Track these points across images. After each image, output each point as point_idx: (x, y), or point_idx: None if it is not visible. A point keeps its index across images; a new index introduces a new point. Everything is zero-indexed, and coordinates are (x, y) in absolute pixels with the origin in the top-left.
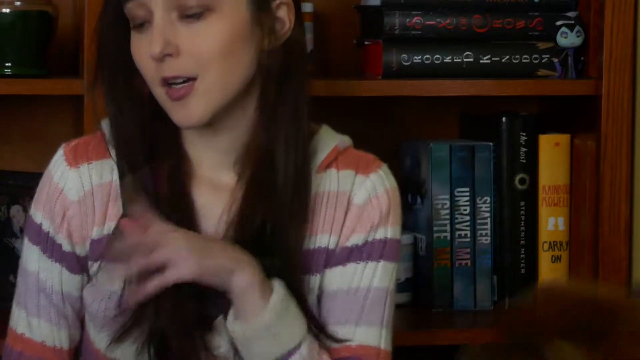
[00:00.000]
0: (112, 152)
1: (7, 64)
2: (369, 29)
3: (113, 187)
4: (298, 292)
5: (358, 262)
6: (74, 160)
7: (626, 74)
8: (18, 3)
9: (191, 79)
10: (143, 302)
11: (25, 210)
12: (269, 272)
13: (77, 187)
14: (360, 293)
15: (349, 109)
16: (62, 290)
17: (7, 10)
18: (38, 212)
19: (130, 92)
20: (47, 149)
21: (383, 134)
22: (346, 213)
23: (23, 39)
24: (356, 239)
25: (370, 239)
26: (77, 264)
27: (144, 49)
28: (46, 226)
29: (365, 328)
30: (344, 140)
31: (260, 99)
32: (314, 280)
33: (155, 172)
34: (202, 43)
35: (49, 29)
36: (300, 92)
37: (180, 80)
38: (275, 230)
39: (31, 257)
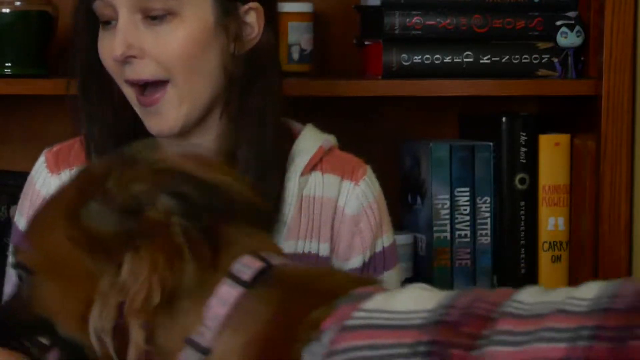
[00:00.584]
0: (93, 157)
1: (7, 64)
2: (369, 29)
3: None
4: None
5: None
6: (55, 166)
7: (626, 74)
8: (18, 3)
9: (163, 83)
10: None
11: None
12: None
13: None
14: None
15: (349, 109)
16: None
17: (7, 10)
18: (22, 219)
19: (102, 91)
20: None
21: (383, 134)
22: (334, 221)
23: (23, 39)
24: (360, 259)
25: (372, 254)
26: None
27: (108, 48)
28: None
29: None
30: (329, 140)
31: (224, 105)
32: None
33: None
34: (165, 47)
35: (49, 29)
36: (267, 97)
37: (152, 87)
38: None
39: None
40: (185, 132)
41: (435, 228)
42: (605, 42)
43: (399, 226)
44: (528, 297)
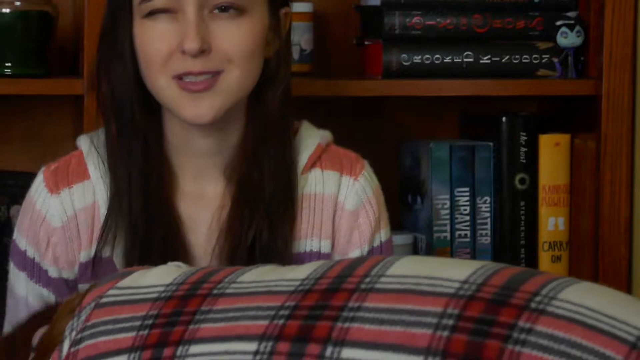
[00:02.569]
0: (92, 171)
1: (7, 64)
2: (369, 29)
3: (96, 208)
4: None
5: None
6: (55, 185)
7: (626, 74)
8: (18, 3)
9: (216, 73)
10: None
11: None
12: None
13: (60, 213)
14: None
15: (349, 109)
16: None
17: (7, 10)
18: (22, 239)
19: (129, 89)
20: (47, 149)
21: (383, 134)
22: (334, 216)
23: (23, 39)
24: (358, 253)
25: (369, 248)
26: (66, 288)
27: (166, 39)
28: (31, 253)
29: None
30: (325, 136)
31: (251, 101)
32: None
33: (141, 185)
34: (233, 42)
35: (49, 29)
36: (287, 96)
37: (203, 77)
38: (265, 235)
39: (19, 282)
40: (214, 123)
41: (435, 228)
42: (605, 42)
43: (399, 226)
44: (250, 275)
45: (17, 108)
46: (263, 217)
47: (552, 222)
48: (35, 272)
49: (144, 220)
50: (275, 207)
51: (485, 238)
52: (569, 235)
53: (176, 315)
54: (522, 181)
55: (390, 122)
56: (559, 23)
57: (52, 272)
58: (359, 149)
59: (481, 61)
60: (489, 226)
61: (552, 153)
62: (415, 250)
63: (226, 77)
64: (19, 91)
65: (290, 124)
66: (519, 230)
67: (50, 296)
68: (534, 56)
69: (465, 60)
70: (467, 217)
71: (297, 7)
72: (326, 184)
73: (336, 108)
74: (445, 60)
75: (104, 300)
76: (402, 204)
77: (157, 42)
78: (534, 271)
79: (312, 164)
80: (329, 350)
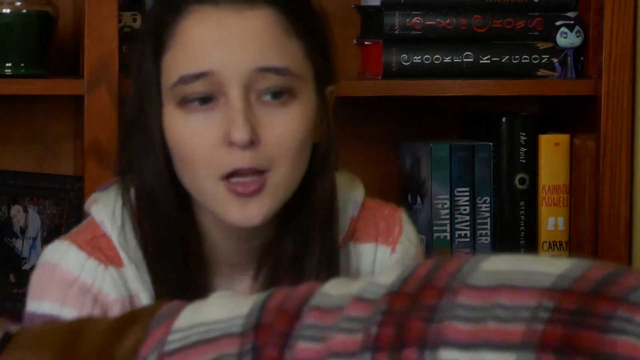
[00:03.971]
0: (127, 261)
1: (7, 64)
2: (369, 29)
3: (136, 299)
4: None
5: None
6: (105, 258)
7: (626, 74)
8: (18, 3)
9: (261, 172)
10: None
11: (26, 210)
12: None
13: (118, 285)
14: None
15: (349, 109)
16: None
17: (7, 10)
18: (57, 306)
19: (163, 189)
20: (47, 149)
21: (383, 134)
22: None
23: (23, 39)
24: None
25: None
26: None
27: (207, 133)
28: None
29: None
30: (357, 201)
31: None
32: None
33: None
34: (283, 132)
35: (49, 29)
36: (333, 189)
37: (250, 178)
38: None
39: None
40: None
41: (435, 228)
42: (605, 42)
43: None
44: (332, 288)
45: (17, 108)
46: None
47: (552, 222)
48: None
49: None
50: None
51: (485, 238)
52: (569, 235)
53: (270, 337)
54: (522, 181)
55: (390, 122)
56: (558, 23)
57: None
58: (359, 149)
59: (481, 61)
60: (489, 226)
61: (552, 153)
62: None
63: (274, 176)
64: (19, 91)
65: (333, 209)
66: (519, 230)
67: None
68: (533, 56)
69: (465, 60)
70: (467, 217)
71: None
72: (361, 260)
73: (336, 108)
74: (445, 60)
75: (170, 347)
76: (402, 204)
77: (196, 137)
78: (631, 269)
79: (346, 240)
80: (427, 356)
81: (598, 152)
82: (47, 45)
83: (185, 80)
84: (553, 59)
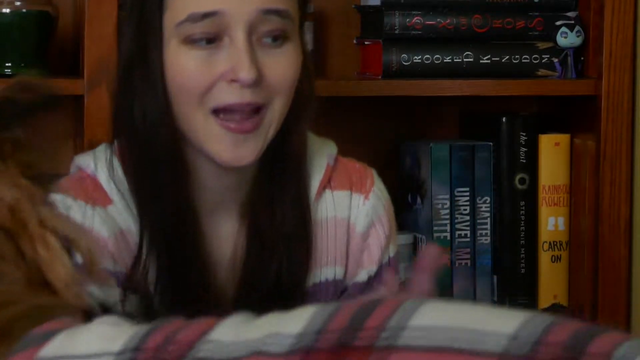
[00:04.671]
0: (117, 199)
1: (7, 64)
2: (369, 29)
3: (125, 234)
4: None
5: (370, 292)
6: (90, 199)
7: (626, 74)
8: (18, 3)
9: (259, 109)
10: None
11: None
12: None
13: (109, 224)
14: None
15: (349, 109)
16: None
17: (7, 10)
18: None
19: (160, 123)
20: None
21: (383, 134)
22: (348, 240)
23: (23, 39)
24: (366, 274)
25: (377, 268)
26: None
27: (208, 69)
28: None
29: None
30: (332, 153)
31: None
32: None
33: (172, 225)
34: (283, 72)
35: (49, 29)
36: (304, 119)
37: (247, 114)
38: (285, 271)
39: None
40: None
41: (435, 228)
42: (605, 42)
43: (399, 226)
44: (226, 333)
45: None
46: (283, 253)
47: (552, 222)
48: None
49: (173, 258)
50: (294, 241)
51: (485, 238)
52: (569, 235)
53: None
54: (522, 181)
55: (390, 122)
56: (558, 23)
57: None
58: (359, 149)
59: (481, 61)
60: (489, 226)
61: (552, 153)
62: (415, 250)
63: (270, 111)
64: None
65: (306, 152)
66: (519, 230)
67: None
68: (534, 56)
69: (465, 60)
70: (467, 217)
71: None
72: (337, 205)
73: (336, 108)
74: (445, 60)
75: None
76: (402, 204)
77: (197, 72)
78: (605, 328)
79: (323, 187)
80: None
81: (598, 152)
82: (47, 45)
83: (193, 18)
84: (553, 59)
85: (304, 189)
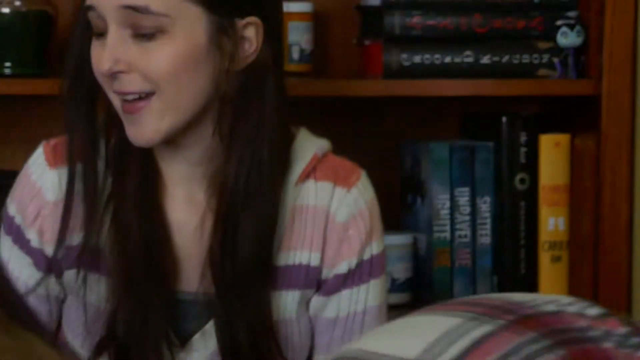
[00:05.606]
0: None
1: (7, 64)
2: (369, 29)
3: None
4: (266, 309)
5: (351, 287)
6: (54, 160)
7: (626, 74)
8: (18, 3)
9: (148, 94)
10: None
11: None
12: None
13: (55, 188)
14: (358, 317)
15: (349, 109)
16: (26, 282)
17: (7, 10)
18: (12, 205)
19: (90, 96)
20: None
21: (383, 134)
22: (326, 229)
23: (23, 39)
24: (346, 265)
25: (358, 261)
26: (44, 262)
27: (98, 59)
28: (18, 220)
29: None
30: (323, 147)
31: (216, 122)
32: (292, 296)
33: (135, 187)
34: (153, 63)
35: (49, 29)
36: (263, 115)
37: (135, 96)
38: (248, 246)
39: (4, 246)
40: (171, 143)
41: (435, 228)
42: (605, 42)
43: (399, 226)
44: None
45: (17, 108)
46: (248, 227)
47: (552, 222)
48: (19, 238)
49: (134, 218)
50: (260, 217)
51: (485, 238)
52: (569, 235)
53: None
54: (522, 181)
55: (390, 122)
56: (559, 23)
57: (34, 243)
58: (359, 149)
59: (481, 61)
60: (489, 226)
61: (552, 153)
62: (415, 250)
63: (158, 100)
64: (19, 91)
65: (271, 139)
66: (519, 230)
67: (31, 266)
68: (534, 56)
69: (465, 60)
70: (467, 217)
71: (297, 7)
72: (319, 195)
73: (336, 108)
74: (445, 60)
75: None
76: (402, 204)
77: (94, 61)
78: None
79: (307, 175)
80: None
81: (598, 152)
82: (47, 45)
83: (86, 9)
84: (553, 59)
85: (276, 161)
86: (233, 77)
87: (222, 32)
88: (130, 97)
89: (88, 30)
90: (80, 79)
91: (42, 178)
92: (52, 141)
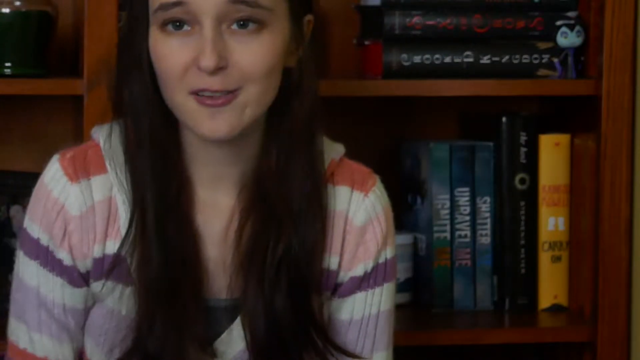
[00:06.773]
0: (110, 167)
1: (7, 64)
2: (369, 29)
3: (113, 203)
4: (311, 311)
5: (367, 290)
6: (74, 174)
7: (626, 74)
8: (18, 3)
9: (234, 90)
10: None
11: (25, 210)
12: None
13: (79, 202)
14: (372, 320)
15: (349, 109)
16: (64, 303)
17: (7, 10)
18: (35, 226)
19: (147, 100)
20: (47, 149)
21: (383, 134)
22: (344, 233)
23: (23, 39)
24: (362, 268)
25: (374, 265)
26: (80, 278)
27: (181, 55)
28: (45, 240)
29: (380, 353)
30: (339, 151)
31: (274, 113)
32: (321, 299)
33: (160, 196)
34: (252, 58)
35: (49, 29)
36: (314, 106)
37: (220, 93)
38: (295, 251)
39: (29, 271)
40: (234, 138)
41: (435, 228)
42: (605, 42)
43: (399, 226)
44: None
45: (17, 108)
46: (292, 232)
47: (552, 222)
48: (49, 260)
49: (162, 229)
50: (304, 220)
51: (485, 238)
52: (569, 235)
53: None
54: (522, 181)
55: (390, 122)
56: (559, 23)
57: (67, 261)
58: (359, 149)
59: (481, 61)
60: (489, 226)
61: (552, 153)
62: (415, 250)
63: (244, 93)
64: (19, 91)
65: (319, 135)
66: (519, 230)
67: (64, 286)
68: (534, 56)
69: (465, 60)
70: (467, 217)
71: None
72: (337, 199)
73: (336, 108)
74: (445, 60)
75: None
76: (402, 204)
77: (172, 57)
78: None
79: (326, 179)
80: None
81: (598, 152)
82: (47, 45)
83: (164, 6)
84: (553, 59)
85: (316, 164)
86: (292, 71)
87: (297, 26)
88: (218, 94)
89: (146, 23)
90: (141, 77)
91: (64, 194)
92: (67, 154)
